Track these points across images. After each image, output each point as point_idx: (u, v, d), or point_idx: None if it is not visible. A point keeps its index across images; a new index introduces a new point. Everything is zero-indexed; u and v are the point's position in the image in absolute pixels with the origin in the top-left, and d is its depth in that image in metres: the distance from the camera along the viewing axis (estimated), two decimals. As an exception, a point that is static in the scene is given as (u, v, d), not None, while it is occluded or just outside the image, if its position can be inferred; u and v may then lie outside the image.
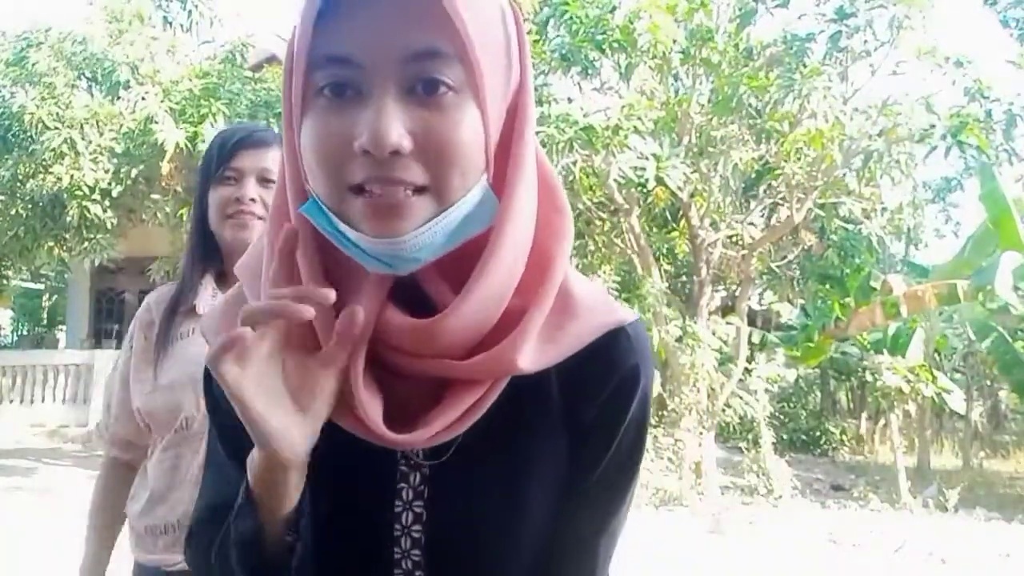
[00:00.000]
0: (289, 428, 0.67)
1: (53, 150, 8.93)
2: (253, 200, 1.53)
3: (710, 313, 9.08)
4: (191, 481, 1.49)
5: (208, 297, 1.56)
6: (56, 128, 9.02)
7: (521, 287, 0.71)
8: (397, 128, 0.63)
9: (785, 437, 12.00)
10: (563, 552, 0.81)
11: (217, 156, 1.56)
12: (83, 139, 9.07)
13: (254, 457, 0.69)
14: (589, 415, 0.77)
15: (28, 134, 9.28)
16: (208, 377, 0.80)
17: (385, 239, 0.65)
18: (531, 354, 0.71)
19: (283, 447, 0.66)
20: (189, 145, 8.87)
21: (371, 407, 0.70)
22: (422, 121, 0.64)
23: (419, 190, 0.65)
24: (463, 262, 0.69)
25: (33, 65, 9.52)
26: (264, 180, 1.54)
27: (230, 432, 0.77)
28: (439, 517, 0.77)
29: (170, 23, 11.25)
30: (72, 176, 8.94)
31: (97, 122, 9.24)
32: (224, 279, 1.60)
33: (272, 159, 1.53)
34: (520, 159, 0.70)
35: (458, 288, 0.68)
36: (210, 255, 1.58)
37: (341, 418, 0.71)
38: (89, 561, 1.74)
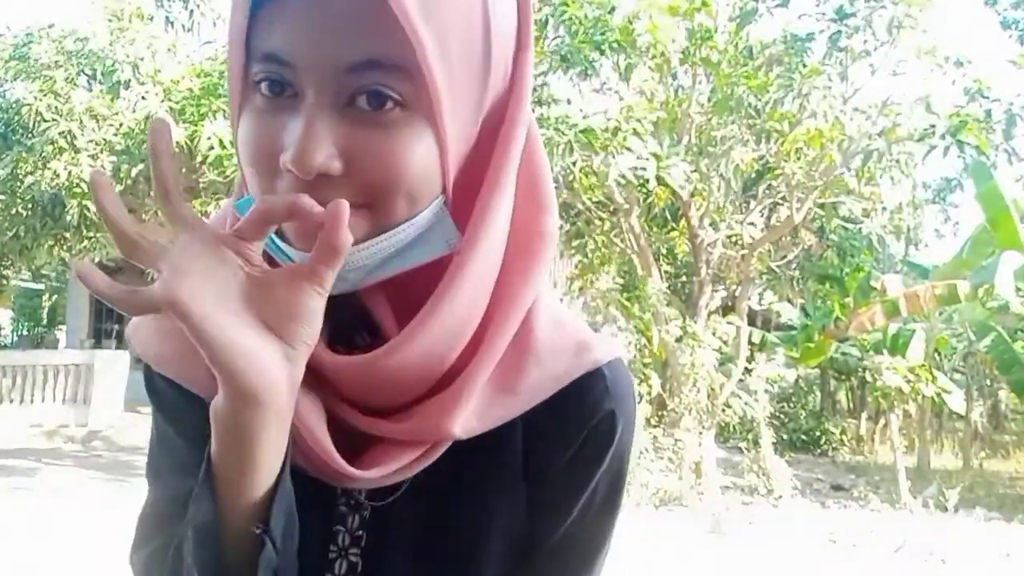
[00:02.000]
0: (262, 351, 0.53)
1: (52, 143, 8.93)
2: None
3: (710, 313, 9.08)
4: None
5: None
6: (55, 120, 9.03)
7: (482, 321, 0.63)
8: (325, 148, 0.54)
9: (785, 437, 12.01)
10: None
11: None
12: (82, 132, 9.07)
13: (218, 404, 0.55)
14: (555, 466, 0.68)
15: (27, 129, 9.30)
16: (149, 375, 0.70)
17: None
18: (474, 413, 0.62)
19: (254, 373, 0.52)
20: (189, 144, 8.87)
21: (318, 430, 0.60)
22: (361, 140, 0.55)
23: (356, 207, 0.55)
24: (417, 294, 0.60)
25: (35, 60, 9.54)
26: None
27: (184, 430, 0.67)
28: (377, 569, 0.67)
29: (172, 23, 11.26)
30: (71, 172, 8.94)
31: (95, 116, 9.25)
32: None
33: None
34: (499, 182, 0.61)
35: (405, 324, 0.60)
36: None
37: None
38: None
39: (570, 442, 0.68)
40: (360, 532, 0.67)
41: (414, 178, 0.57)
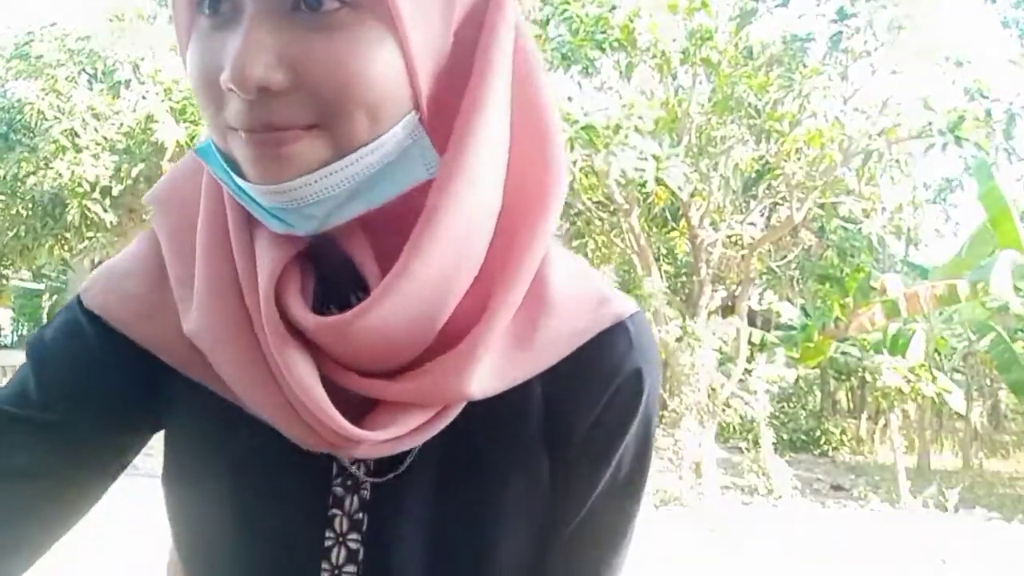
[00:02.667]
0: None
1: (55, 142, 8.94)
2: None
3: (710, 313, 9.08)
4: None
5: None
6: (57, 119, 9.04)
7: (483, 275, 0.56)
8: (263, 58, 0.48)
9: (785, 437, 12.00)
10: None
11: None
12: (84, 131, 9.08)
13: None
14: (579, 433, 0.62)
15: (29, 129, 9.30)
16: (77, 327, 0.62)
17: (270, 188, 0.51)
18: (489, 371, 0.56)
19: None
20: (190, 144, 8.87)
21: (314, 389, 0.54)
22: (305, 46, 0.49)
23: (310, 128, 0.50)
24: (405, 239, 0.53)
25: (37, 58, 9.54)
26: None
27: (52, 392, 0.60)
28: (380, 555, 0.60)
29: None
30: (72, 172, 8.95)
31: (96, 116, 9.25)
32: None
33: None
34: (482, 93, 0.53)
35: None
36: None
37: (271, 410, 0.55)
38: None
39: (593, 404, 0.61)
40: (360, 515, 0.61)
41: (373, 89, 0.50)
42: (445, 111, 0.53)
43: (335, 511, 0.61)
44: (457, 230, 0.53)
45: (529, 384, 0.60)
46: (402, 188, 0.53)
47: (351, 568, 0.61)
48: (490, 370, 0.56)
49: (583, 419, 0.62)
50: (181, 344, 0.57)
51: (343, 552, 0.61)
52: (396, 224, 0.54)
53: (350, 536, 0.61)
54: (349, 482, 0.62)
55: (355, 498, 0.61)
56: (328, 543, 0.61)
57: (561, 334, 0.60)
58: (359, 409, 0.56)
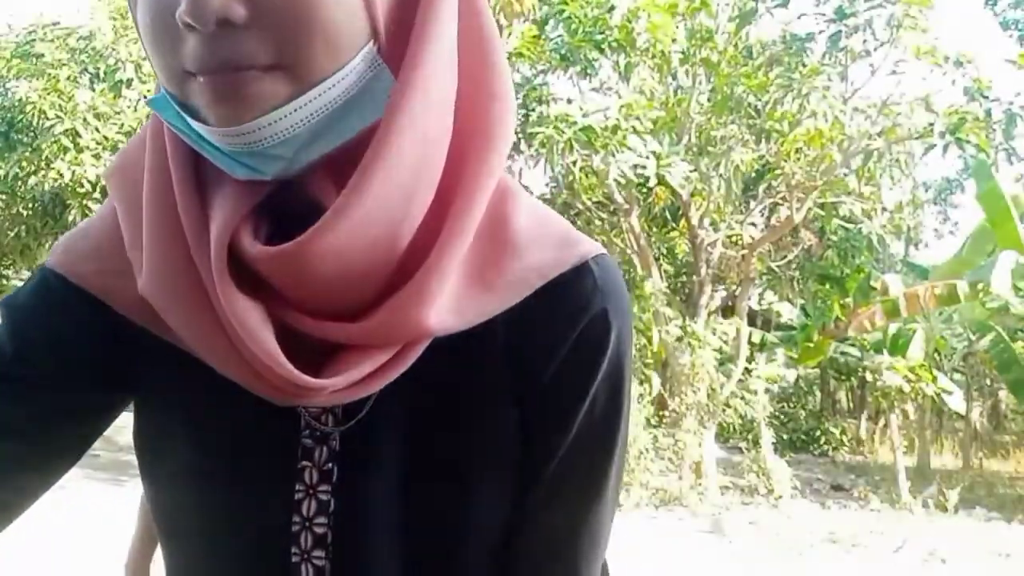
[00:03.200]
0: None
1: (56, 142, 8.95)
2: None
3: (710, 313, 9.08)
4: None
5: None
6: (59, 119, 9.05)
7: (436, 207, 0.55)
8: None
9: (785, 437, 12.00)
10: (534, 558, 0.64)
11: None
12: (86, 130, 9.09)
13: None
14: (545, 377, 0.60)
15: (31, 129, 9.31)
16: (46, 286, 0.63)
17: (231, 130, 0.50)
18: (448, 308, 0.56)
19: None
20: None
21: (260, 332, 0.53)
22: None
23: (271, 68, 0.49)
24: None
25: (39, 58, 9.55)
26: None
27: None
28: (350, 505, 0.60)
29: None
30: (74, 172, 8.96)
31: (98, 115, 9.26)
32: None
33: None
34: (429, 20, 0.53)
35: None
36: None
37: (225, 364, 0.55)
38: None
39: (558, 346, 0.60)
40: (329, 465, 0.60)
41: (331, 20, 0.49)
42: (400, 44, 0.53)
43: (305, 463, 0.61)
44: (411, 150, 0.52)
45: (492, 328, 0.59)
46: (367, 123, 0.53)
47: (322, 519, 0.60)
48: (449, 306, 0.56)
49: (548, 362, 0.61)
50: (143, 302, 0.57)
51: (313, 504, 0.60)
52: (359, 160, 0.53)
53: (320, 488, 0.61)
54: (318, 433, 0.61)
55: (324, 449, 0.61)
56: (299, 496, 0.60)
57: (523, 274, 0.59)
58: (321, 359, 0.56)
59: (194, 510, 0.63)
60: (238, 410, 0.59)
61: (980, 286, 8.50)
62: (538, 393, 0.61)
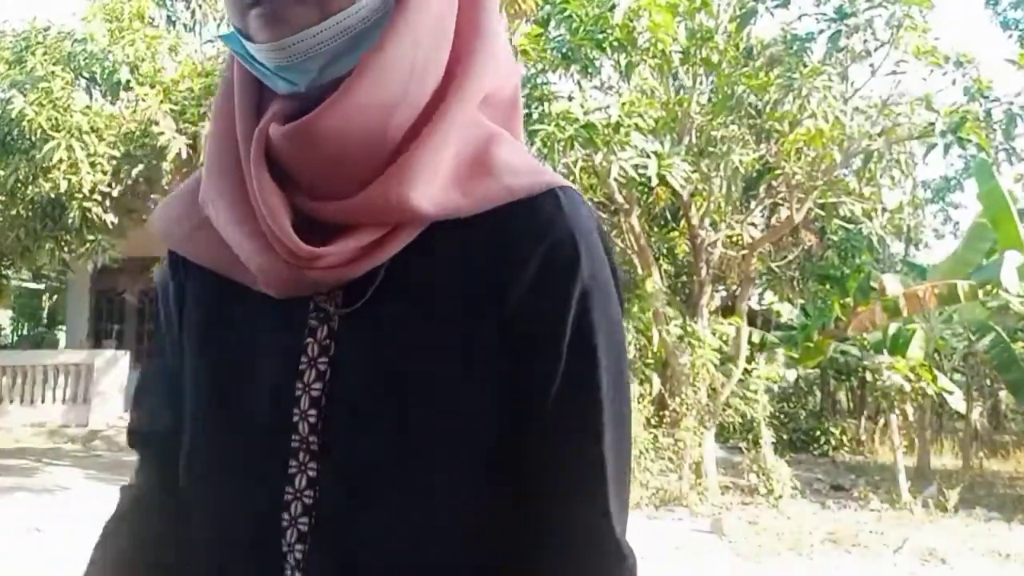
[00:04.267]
0: None
1: (51, 151, 8.93)
2: None
3: (710, 313, 9.08)
4: None
5: None
6: (55, 136, 9.02)
7: (426, 115, 0.68)
8: None
9: (785, 437, 12.00)
10: (544, 496, 0.70)
11: None
12: (83, 148, 9.07)
13: None
14: (516, 293, 0.68)
15: (28, 139, 9.28)
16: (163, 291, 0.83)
17: (270, 45, 0.66)
18: (429, 198, 0.67)
19: None
20: (191, 147, 8.87)
21: (280, 214, 0.67)
22: None
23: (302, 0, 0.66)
24: None
25: (31, 70, 9.52)
26: None
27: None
28: (342, 375, 0.70)
29: (174, 23, 11.24)
30: (70, 181, 8.95)
31: (95, 129, 9.24)
32: None
33: None
34: None
35: None
36: None
37: (250, 250, 0.69)
38: None
39: (525, 262, 0.68)
40: (327, 341, 0.71)
41: None
42: None
43: (308, 340, 0.72)
44: (404, 53, 0.67)
45: (469, 246, 0.69)
46: (372, 43, 0.67)
47: (318, 386, 0.71)
48: (430, 196, 0.67)
49: (516, 277, 0.68)
50: (192, 238, 0.76)
51: (313, 372, 0.71)
52: None
53: (320, 359, 0.71)
54: (322, 315, 0.72)
55: (325, 327, 0.72)
56: (302, 367, 0.72)
57: (496, 189, 0.69)
58: (322, 243, 0.68)
59: (215, 380, 0.76)
60: (259, 309, 0.73)
61: (985, 287, 8.50)
62: (517, 312, 0.68)
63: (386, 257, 0.68)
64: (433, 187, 0.67)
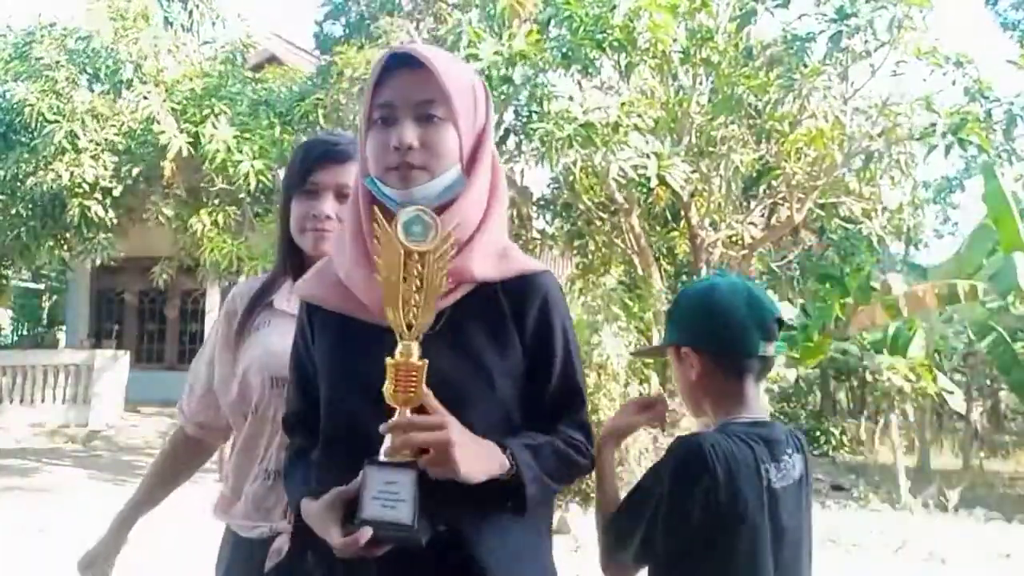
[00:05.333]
0: None
1: (54, 145, 8.92)
2: (328, 217, 1.60)
3: (710, 313, 9.05)
4: (258, 460, 1.62)
5: (285, 294, 1.65)
6: (57, 121, 9.02)
7: (480, 222, 1.27)
8: (410, 136, 1.21)
9: (785, 437, 11.98)
10: (546, 400, 1.29)
11: (299, 169, 1.64)
12: (84, 133, 9.07)
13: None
14: (530, 318, 1.27)
15: (29, 130, 9.28)
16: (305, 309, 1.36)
17: (402, 192, 1.22)
18: (483, 268, 1.24)
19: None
20: (191, 147, 8.87)
21: (370, 291, 1.21)
22: (424, 134, 1.22)
23: (421, 168, 1.22)
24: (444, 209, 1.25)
25: (36, 60, 9.52)
26: (341, 195, 1.59)
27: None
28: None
29: (171, 23, 11.24)
30: (72, 173, 8.94)
31: (96, 117, 9.23)
32: None
33: (350, 173, 1.54)
34: (481, 160, 1.28)
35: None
36: (294, 259, 1.66)
37: (368, 298, 1.22)
38: (131, 504, 1.84)
39: (533, 302, 1.27)
40: None
41: (447, 153, 1.24)
42: (471, 164, 1.28)
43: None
44: (475, 198, 1.27)
45: (498, 294, 1.26)
46: (452, 195, 1.25)
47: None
48: (481, 269, 1.24)
49: (529, 309, 1.27)
50: (329, 294, 1.30)
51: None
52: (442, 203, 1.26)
53: None
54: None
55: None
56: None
57: (515, 267, 1.28)
58: None
59: (339, 385, 1.28)
60: (364, 336, 1.24)
61: (986, 288, 8.49)
62: (528, 331, 1.27)
63: (452, 301, 1.23)
64: (483, 264, 1.24)
